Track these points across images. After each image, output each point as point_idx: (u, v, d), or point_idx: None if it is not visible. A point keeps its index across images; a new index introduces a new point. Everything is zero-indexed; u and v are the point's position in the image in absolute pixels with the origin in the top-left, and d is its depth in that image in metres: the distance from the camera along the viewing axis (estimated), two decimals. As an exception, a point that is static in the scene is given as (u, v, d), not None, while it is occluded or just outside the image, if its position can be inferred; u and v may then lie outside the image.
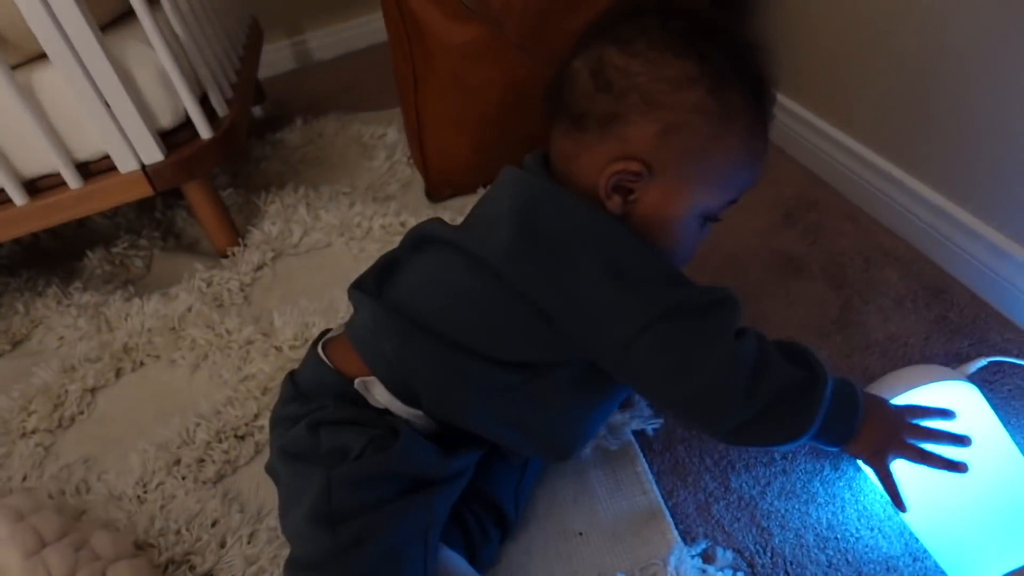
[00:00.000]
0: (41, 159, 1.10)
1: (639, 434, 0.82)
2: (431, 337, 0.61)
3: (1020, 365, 0.78)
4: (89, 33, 1.02)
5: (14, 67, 1.05)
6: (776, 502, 0.73)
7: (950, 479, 0.61)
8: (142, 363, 1.11)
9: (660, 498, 0.75)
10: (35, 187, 1.13)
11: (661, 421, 0.83)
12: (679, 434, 0.82)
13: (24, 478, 0.95)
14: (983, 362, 0.72)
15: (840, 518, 0.70)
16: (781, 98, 1.23)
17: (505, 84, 1.14)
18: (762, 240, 1.08)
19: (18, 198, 1.11)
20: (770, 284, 0.99)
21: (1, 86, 1.01)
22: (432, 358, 0.61)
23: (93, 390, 1.08)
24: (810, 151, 1.18)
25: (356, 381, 0.64)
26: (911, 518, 0.66)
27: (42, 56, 1.05)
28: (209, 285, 1.20)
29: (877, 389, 0.68)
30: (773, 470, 0.76)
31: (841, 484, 0.73)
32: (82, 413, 1.05)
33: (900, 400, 0.66)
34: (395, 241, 1.20)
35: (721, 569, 0.67)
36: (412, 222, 1.24)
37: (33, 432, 1.02)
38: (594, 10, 1.06)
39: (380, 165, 1.46)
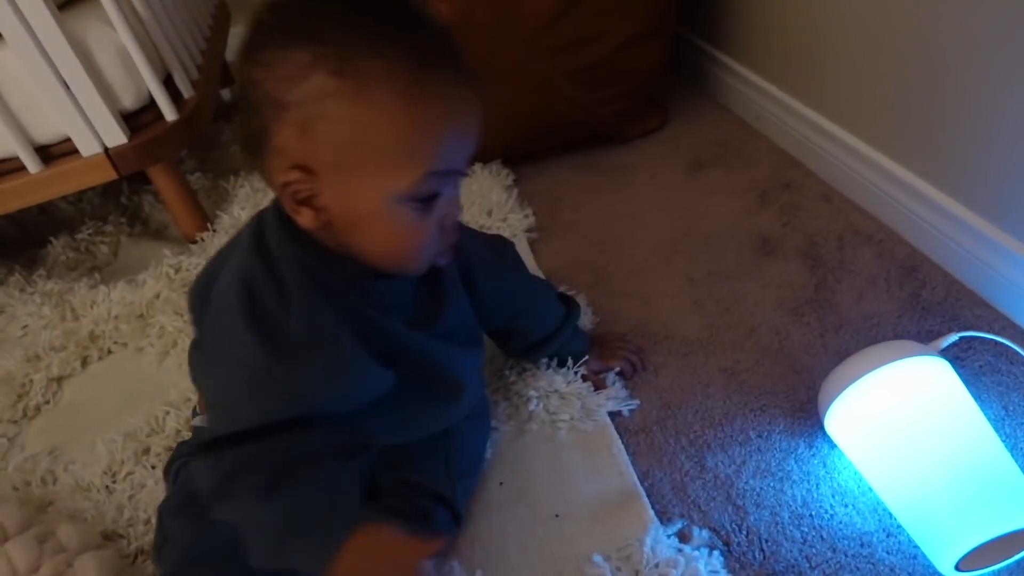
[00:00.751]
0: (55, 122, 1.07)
1: (615, 415, 0.82)
2: None
3: (990, 340, 0.79)
4: (45, 11, 0.98)
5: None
6: (751, 481, 0.73)
7: (922, 453, 0.61)
8: (109, 351, 1.09)
9: (636, 479, 0.75)
10: (48, 154, 1.10)
11: (637, 403, 0.83)
12: (654, 415, 0.82)
13: (-13, 470, 0.92)
14: (954, 337, 0.73)
15: (815, 495, 0.70)
16: (754, 78, 1.23)
17: (475, 66, 1.10)
18: (737, 221, 1.08)
19: (32, 166, 1.08)
20: (745, 265, 0.99)
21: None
22: None
23: (59, 379, 1.05)
24: (784, 131, 1.18)
25: None
26: (884, 493, 0.67)
27: (-3, 35, 1.01)
28: (177, 271, 1.18)
29: (851, 366, 0.68)
30: (748, 449, 0.76)
31: (815, 462, 0.73)
32: (48, 403, 1.02)
33: (872, 377, 0.66)
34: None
35: (697, 548, 0.67)
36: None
37: (-4, 423, 0.99)
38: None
39: (352, 148, 1.43)
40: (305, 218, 0.56)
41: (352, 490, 0.62)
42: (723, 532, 0.69)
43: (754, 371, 0.84)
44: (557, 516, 0.73)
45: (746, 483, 0.73)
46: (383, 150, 0.53)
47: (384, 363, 0.62)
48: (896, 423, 0.65)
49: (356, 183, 0.54)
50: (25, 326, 1.16)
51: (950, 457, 0.62)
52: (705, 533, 0.69)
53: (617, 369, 0.86)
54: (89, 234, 1.34)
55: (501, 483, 0.78)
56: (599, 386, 0.85)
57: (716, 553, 0.67)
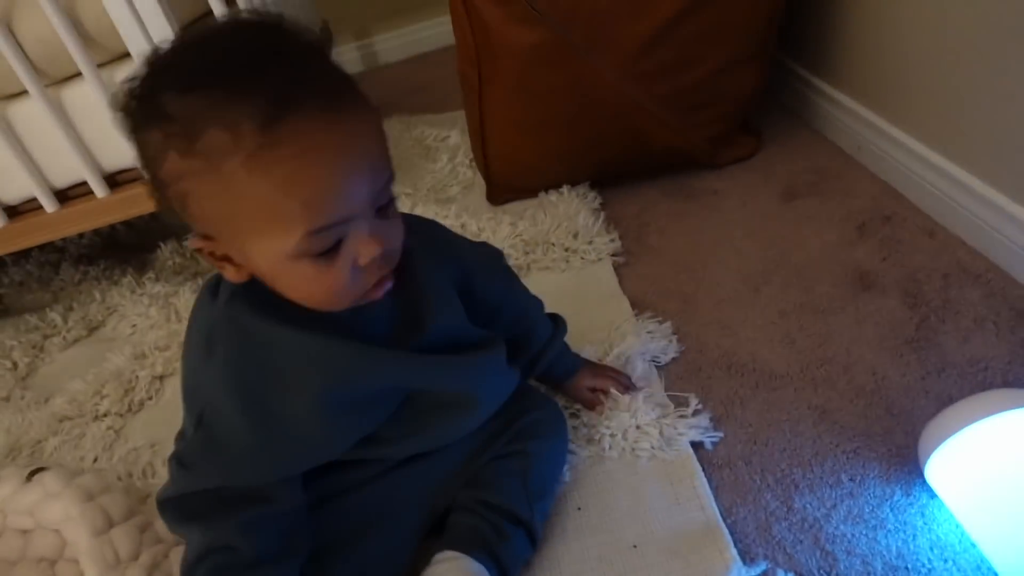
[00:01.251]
0: (122, 154, 1.14)
1: (697, 447, 0.80)
2: None
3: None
4: (170, 32, 1.05)
5: (101, 65, 1.10)
6: (842, 526, 0.70)
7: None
8: (208, 353, 1.14)
9: (719, 515, 0.73)
10: (115, 181, 1.18)
11: (721, 435, 0.81)
12: (739, 450, 0.80)
13: (95, 459, 0.99)
14: (1073, 390, 0.68)
15: (911, 547, 0.67)
16: (855, 106, 1.19)
17: (569, 89, 1.13)
18: (832, 253, 1.04)
19: (99, 191, 1.16)
20: (840, 299, 0.96)
21: (94, 86, 1.06)
22: None
23: (161, 377, 1.12)
24: (886, 162, 1.14)
25: None
26: (990, 551, 0.63)
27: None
28: (274, 280, 1.23)
29: (957, 413, 0.65)
30: (840, 492, 0.73)
31: (913, 511, 0.70)
32: (151, 398, 1.08)
33: (982, 425, 0.62)
34: (455, 242, 1.21)
35: (781, 592, 0.65)
36: (472, 224, 1.24)
37: (105, 415, 1.06)
38: (659, 15, 1.06)
39: (442, 167, 1.47)
40: (230, 274, 0.56)
41: None
42: (810, 577, 0.66)
43: (848, 411, 0.81)
44: (635, 547, 0.72)
45: (836, 528, 0.70)
46: (252, 220, 0.50)
47: (359, 397, 0.63)
48: (1006, 478, 0.61)
49: (248, 248, 0.52)
50: (134, 325, 1.24)
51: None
52: (791, 577, 0.66)
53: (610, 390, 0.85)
54: (195, 241, 1.42)
55: (579, 508, 0.77)
56: (595, 404, 0.85)
57: (802, 599, 0.64)
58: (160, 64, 0.51)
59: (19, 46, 1.03)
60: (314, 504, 0.70)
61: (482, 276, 0.73)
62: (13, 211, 1.18)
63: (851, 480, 0.74)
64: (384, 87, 2.07)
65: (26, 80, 1.04)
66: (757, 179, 1.24)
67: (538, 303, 0.83)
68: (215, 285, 0.62)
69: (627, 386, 0.87)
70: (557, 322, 0.85)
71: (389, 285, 0.58)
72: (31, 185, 1.14)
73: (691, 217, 1.19)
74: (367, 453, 0.70)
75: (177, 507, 0.64)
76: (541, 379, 0.88)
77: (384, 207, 0.54)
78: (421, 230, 0.68)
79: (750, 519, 0.73)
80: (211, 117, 0.47)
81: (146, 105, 0.50)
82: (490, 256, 0.79)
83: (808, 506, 0.72)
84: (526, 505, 0.72)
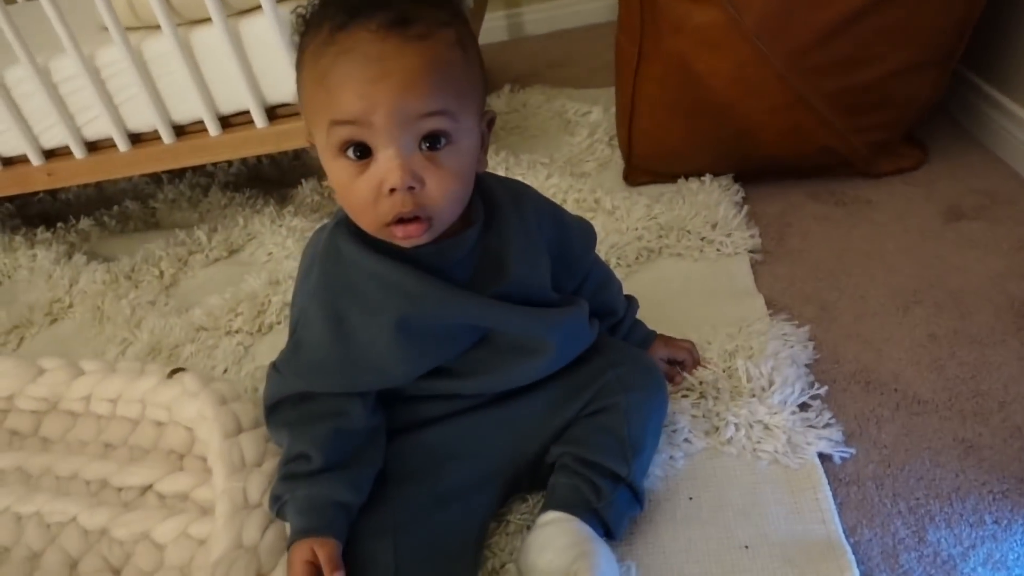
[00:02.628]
0: (284, 90, 1.19)
1: (824, 459, 0.76)
2: None
3: None
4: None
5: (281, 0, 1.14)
6: (980, 569, 0.65)
7: None
8: (336, 289, 1.19)
9: (842, 532, 0.69)
10: (274, 113, 1.23)
11: (852, 451, 0.77)
12: (871, 470, 0.75)
13: (225, 370, 1.05)
14: None
15: (1059, 605, 0.61)
16: (1047, 130, 1.09)
17: (732, 75, 1.09)
18: (996, 282, 0.96)
19: (259, 121, 1.22)
20: (1001, 332, 0.88)
21: (271, 20, 1.11)
22: None
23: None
24: (1073, 194, 1.04)
25: None
26: None
27: None
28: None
29: None
30: (981, 533, 0.68)
31: (1066, 568, 0.64)
32: (279, 323, 1.14)
33: None
34: (587, 216, 1.20)
35: (906, 623, 0.61)
36: (606, 200, 1.23)
37: (237, 332, 1.12)
38: (843, 6, 1.00)
39: (580, 142, 1.46)
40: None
41: (341, 494, 0.67)
42: (938, 615, 0.62)
43: (1000, 450, 0.75)
44: (747, 547, 0.70)
45: (973, 570, 0.65)
46: (307, 107, 0.60)
47: (428, 330, 0.68)
48: None
49: (316, 139, 0.61)
50: (270, 253, 1.30)
51: None
52: (917, 610, 0.62)
53: (681, 359, 0.87)
54: (333, 182, 1.47)
55: (691, 498, 0.75)
56: (671, 375, 0.86)
57: (928, 635, 0.60)
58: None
59: (210, -25, 1.09)
60: (392, 433, 0.74)
61: (580, 244, 0.79)
62: (180, 130, 1.26)
63: (995, 523, 0.68)
64: (527, 57, 2.07)
65: (212, 8, 1.10)
66: (917, 194, 1.16)
67: (617, 279, 0.87)
68: (329, 221, 0.69)
69: (697, 360, 0.88)
70: (630, 299, 0.88)
71: (419, 237, 0.60)
72: (200, 108, 1.21)
73: (839, 224, 1.13)
74: (440, 386, 0.73)
75: (272, 414, 0.72)
76: None
77: (431, 145, 0.58)
78: (519, 190, 0.73)
79: (876, 543, 0.69)
80: (314, 20, 0.58)
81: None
82: (587, 228, 0.82)
83: (943, 541, 0.67)
84: (623, 462, 0.71)
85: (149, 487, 0.80)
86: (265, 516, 0.71)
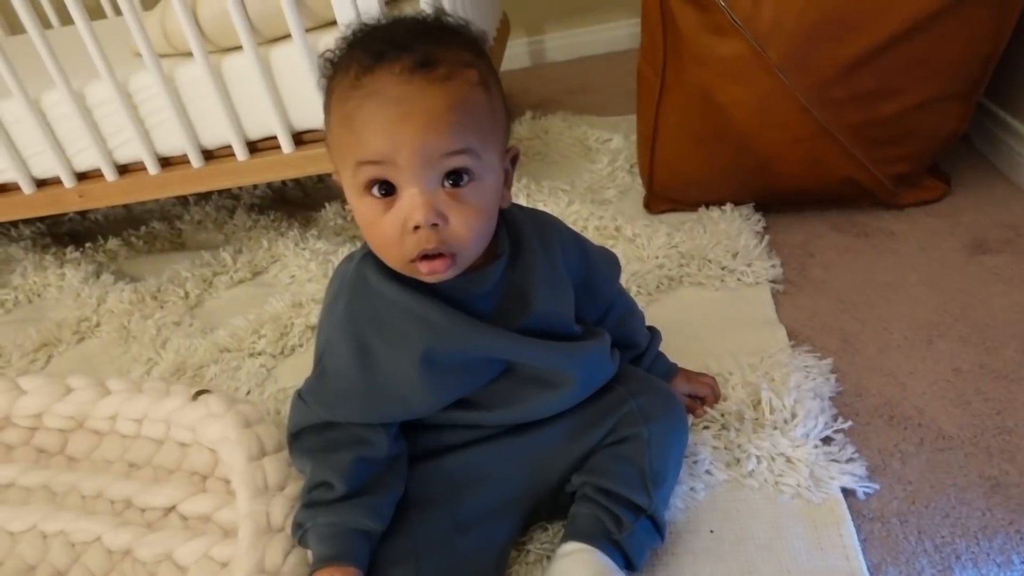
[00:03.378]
0: (311, 116, 1.22)
1: (848, 494, 0.76)
2: None
3: None
4: (376, 6, 1.11)
5: (310, 30, 1.17)
6: (1009, 610, 0.64)
7: None
8: (358, 313, 1.20)
9: (866, 569, 0.69)
10: (300, 139, 1.26)
11: (876, 487, 0.76)
12: (895, 506, 0.74)
13: (248, 392, 1.06)
14: None
15: (1091, 651, 0.60)
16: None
17: (755, 106, 1.10)
18: (1008, 317, 0.95)
19: (286, 146, 1.24)
20: (1009, 366, 0.87)
21: (300, 48, 1.14)
22: None
23: (314, 327, 1.17)
24: (1100, 228, 1.03)
25: None
26: None
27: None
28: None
29: None
30: (1009, 574, 0.67)
31: (1097, 612, 0.62)
32: (301, 346, 1.15)
33: None
34: (608, 243, 1.21)
35: (932, 666, 0.60)
36: (627, 228, 1.23)
37: (260, 353, 1.14)
38: (868, 40, 1.00)
39: (601, 169, 1.47)
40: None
41: (362, 522, 0.68)
42: (966, 658, 0.61)
43: (1027, 488, 0.74)
44: (767, 583, 0.69)
45: (1002, 611, 0.64)
46: (334, 147, 0.62)
47: (453, 363, 0.69)
48: None
49: (343, 178, 0.62)
50: (293, 276, 1.32)
51: None
52: (944, 652, 0.61)
53: (703, 394, 0.87)
54: (357, 206, 1.49)
55: (712, 531, 0.75)
56: (692, 409, 0.85)
57: None
58: (354, 39, 0.62)
59: (243, 5, 1.11)
60: (414, 459, 0.75)
61: (604, 275, 0.80)
62: (209, 155, 1.28)
63: (1024, 563, 0.67)
64: (549, 84, 2.09)
65: (243, 37, 1.13)
66: (941, 226, 1.15)
67: (640, 311, 0.87)
68: (356, 251, 0.71)
69: (718, 395, 0.88)
70: (653, 331, 0.88)
71: (443, 273, 0.61)
72: (229, 133, 1.23)
73: (862, 255, 1.12)
74: (463, 417, 0.74)
75: (295, 441, 0.74)
76: None
77: (455, 183, 0.59)
78: (544, 222, 0.74)
79: (901, 582, 0.68)
80: (342, 64, 0.60)
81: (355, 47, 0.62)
82: (611, 259, 0.83)
83: (971, 582, 0.67)
84: (644, 493, 0.71)
85: (172, 508, 0.81)
86: (288, 541, 0.71)
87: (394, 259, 0.62)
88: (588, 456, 0.75)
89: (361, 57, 0.58)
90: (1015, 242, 1.09)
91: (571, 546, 0.69)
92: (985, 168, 1.27)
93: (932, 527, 0.72)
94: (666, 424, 0.76)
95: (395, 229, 0.59)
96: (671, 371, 0.87)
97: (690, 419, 0.84)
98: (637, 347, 0.85)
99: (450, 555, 0.69)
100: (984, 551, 0.69)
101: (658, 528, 0.71)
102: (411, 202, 0.58)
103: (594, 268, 0.78)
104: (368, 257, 0.68)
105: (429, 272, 0.61)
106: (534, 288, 0.69)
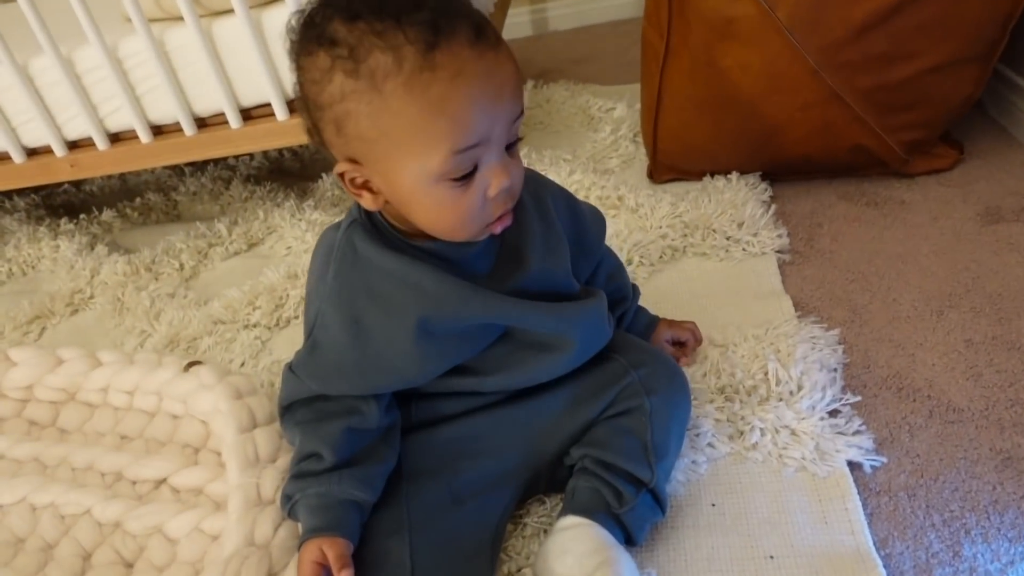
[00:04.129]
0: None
1: (854, 467, 0.74)
2: None
3: None
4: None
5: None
6: (1020, 586, 0.62)
7: None
8: (355, 284, 1.18)
9: (872, 544, 0.67)
10: (295, 106, 1.22)
11: (883, 460, 0.74)
12: (903, 480, 0.72)
13: (242, 364, 1.04)
14: None
15: (1105, 627, 0.58)
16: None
17: (762, 70, 1.06)
18: (1020, 287, 0.92)
19: (280, 113, 1.21)
20: (1021, 337, 0.85)
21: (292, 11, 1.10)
22: None
23: (309, 299, 1.16)
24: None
25: None
26: None
27: None
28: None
29: None
30: (1021, 549, 0.65)
31: (1112, 588, 0.60)
32: (297, 317, 1.13)
33: None
34: (610, 213, 1.18)
35: (940, 642, 0.58)
36: (629, 198, 1.20)
37: (255, 325, 1.12)
38: (881, 0, 0.96)
39: (604, 138, 1.43)
40: (367, 201, 0.61)
41: (352, 492, 0.66)
42: (975, 634, 0.59)
43: (1044, 463, 0.71)
44: (772, 558, 0.67)
45: (1012, 587, 0.62)
46: (404, 138, 0.55)
47: (454, 330, 0.66)
48: None
49: (393, 169, 0.57)
50: (289, 247, 1.30)
51: None
52: (952, 628, 0.59)
53: (685, 339, 0.86)
54: (354, 177, 1.46)
55: (713, 504, 0.73)
56: (677, 357, 0.85)
57: (964, 655, 0.57)
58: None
59: (233, -35, 1.08)
60: (409, 430, 0.74)
61: (594, 231, 0.78)
62: (202, 122, 1.25)
63: (1036, 538, 0.65)
64: (551, 53, 2.05)
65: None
66: (954, 195, 1.12)
67: (622, 264, 0.86)
68: (343, 220, 0.68)
69: (699, 339, 0.88)
70: (634, 286, 0.87)
71: (509, 222, 0.62)
72: (222, 100, 1.20)
73: (871, 225, 1.09)
74: (460, 384, 0.72)
75: (286, 413, 0.72)
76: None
77: (512, 144, 0.58)
78: (535, 179, 0.73)
79: (908, 556, 0.66)
80: (375, 41, 0.53)
81: (315, 32, 0.55)
82: (599, 215, 0.81)
83: (980, 556, 0.65)
84: (646, 467, 0.69)
85: (163, 480, 0.80)
86: (278, 513, 0.69)
87: (470, 231, 0.60)
88: (588, 428, 0.73)
89: (415, 37, 0.52)
90: (1029, 211, 1.06)
91: (570, 520, 0.67)
92: (999, 135, 1.23)
93: (941, 501, 0.70)
94: (668, 395, 0.74)
95: (476, 203, 0.58)
96: (653, 321, 0.87)
97: (693, 390, 0.81)
98: (626, 301, 0.84)
99: (445, 527, 0.67)
100: (995, 526, 0.67)
101: (659, 502, 0.70)
102: (493, 171, 0.57)
103: (584, 224, 0.76)
104: (355, 225, 0.65)
105: (502, 227, 0.61)
106: (528, 245, 0.68)
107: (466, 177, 0.56)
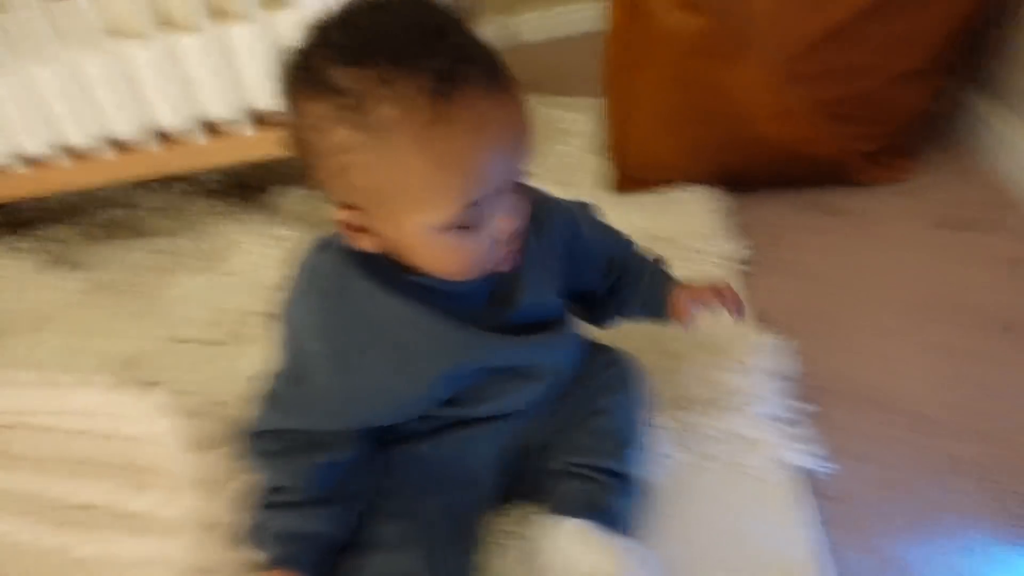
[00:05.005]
0: (270, 96, 1.18)
1: (810, 475, 0.74)
2: None
3: None
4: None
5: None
6: (972, 594, 0.62)
7: None
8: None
9: (827, 551, 0.67)
10: (261, 120, 1.22)
11: (839, 467, 0.75)
12: (858, 488, 0.73)
13: (204, 384, 1.02)
14: None
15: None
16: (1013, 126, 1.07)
17: (724, 83, 1.08)
18: (994, 297, 0.94)
19: (247, 128, 1.20)
20: (1001, 348, 0.86)
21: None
22: None
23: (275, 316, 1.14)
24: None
25: None
26: None
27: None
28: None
29: None
30: (973, 558, 0.65)
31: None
32: (263, 335, 1.11)
33: None
34: (575, 227, 1.18)
35: (892, 651, 0.58)
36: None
37: (220, 344, 1.10)
38: (838, 14, 0.98)
39: (570, 151, 1.44)
40: (366, 243, 0.58)
41: (317, 526, 0.64)
42: (925, 642, 0.60)
43: (995, 471, 0.72)
44: (727, 566, 0.68)
45: (965, 596, 0.62)
46: (414, 191, 0.52)
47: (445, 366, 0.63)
48: None
49: (398, 219, 0.54)
50: (254, 264, 1.28)
51: None
52: (903, 636, 0.60)
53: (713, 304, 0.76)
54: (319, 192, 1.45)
55: (668, 514, 0.73)
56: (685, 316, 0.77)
57: (914, 663, 0.58)
58: (325, 36, 0.52)
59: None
60: (386, 446, 0.71)
61: (587, 226, 0.76)
62: (167, 137, 1.24)
63: (992, 549, 0.66)
64: (520, 65, 2.01)
65: (199, 15, 1.08)
66: (910, 204, 1.14)
67: (628, 243, 0.82)
68: (328, 239, 0.63)
69: (727, 296, 0.75)
70: (659, 258, 0.83)
71: (516, 260, 0.60)
72: (187, 114, 1.19)
73: (831, 235, 1.11)
74: (447, 413, 0.71)
75: (254, 443, 0.67)
76: (645, 311, 0.80)
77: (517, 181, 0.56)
78: (543, 202, 0.70)
79: (864, 565, 0.66)
80: (383, 91, 0.49)
81: (313, 76, 0.51)
82: (583, 205, 0.79)
83: (932, 563, 0.65)
84: (618, 460, 0.71)
85: (114, 505, 0.78)
86: (229, 537, 0.68)
87: (475, 273, 0.58)
88: (564, 430, 0.73)
89: (428, 86, 0.49)
90: (983, 220, 1.08)
91: (564, 522, 0.67)
92: (953, 147, 1.25)
93: (895, 509, 0.70)
94: (626, 392, 0.76)
95: (483, 248, 0.56)
96: (665, 294, 0.80)
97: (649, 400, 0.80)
98: (637, 268, 0.80)
99: (430, 539, 0.66)
100: (947, 533, 0.67)
101: (638, 488, 0.72)
102: (502, 216, 0.55)
103: (578, 224, 0.74)
104: (349, 261, 0.60)
105: (509, 263, 0.60)
106: (522, 275, 0.65)
107: (473, 225, 0.54)
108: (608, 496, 0.68)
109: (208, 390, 1.00)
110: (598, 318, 0.80)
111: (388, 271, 0.60)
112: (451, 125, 0.49)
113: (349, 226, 0.57)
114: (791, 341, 0.90)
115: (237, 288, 1.19)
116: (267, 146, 1.22)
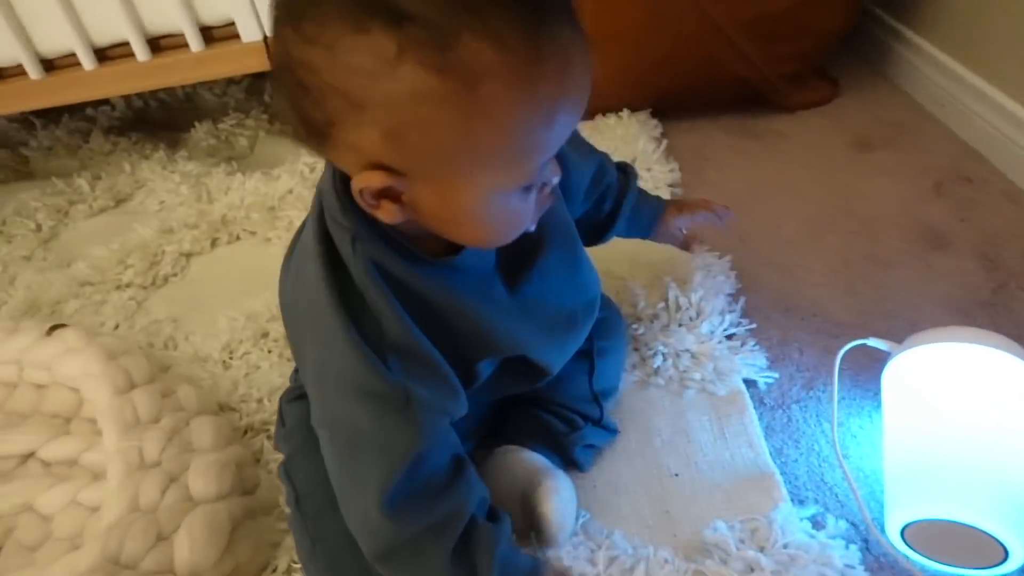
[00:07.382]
0: (167, 18, 1.08)
1: (750, 385, 0.76)
2: None
3: None
4: None
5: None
6: (899, 479, 0.66)
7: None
8: (238, 237, 1.10)
9: (768, 455, 0.70)
10: (158, 45, 1.12)
11: (776, 376, 0.77)
12: (794, 393, 0.76)
13: (116, 326, 0.96)
14: None
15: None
16: (944, 59, 1.11)
17: (646, 4, 1.07)
18: (903, 208, 0.98)
19: (141, 54, 1.10)
20: (909, 256, 0.90)
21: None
22: None
23: (188, 255, 1.08)
24: (971, 121, 1.07)
25: None
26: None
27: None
28: (312, 170, 1.18)
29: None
30: (899, 446, 0.69)
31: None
32: (175, 275, 1.05)
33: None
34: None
35: (832, 537, 0.61)
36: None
37: (128, 286, 1.03)
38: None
39: (494, 79, 1.40)
40: (385, 213, 0.46)
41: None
42: (863, 528, 0.63)
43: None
44: (676, 475, 0.69)
45: (893, 481, 0.66)
46: (495, 152, 0.43)
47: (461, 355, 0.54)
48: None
49: (456, 184, 0.44)
50: (162, 202, 1.20)
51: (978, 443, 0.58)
52: (843, 524, 0.63)
53: (700, 219, 0.80)
54: (231, 125, 1.36)
55: (619, 429, 0.74)
56: (687, 244, 0.81)
57: (853, 547, 0.61)
58: None
59: None
60: None
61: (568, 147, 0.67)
62: (50, 64, 1.12)
63: (911, 436, 0.70)
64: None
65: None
66: (828, 126, 1.17)
67: (598, 151, 0.75)
68: (325, 234, 0.50)
69: (718, 214, 0.79)
70: (626, 167, 0.77)
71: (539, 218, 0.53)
72: (72, 38, 1.08)
73: (754, 156, 1.13)
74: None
75: (387, 563, 0.52)
76: (632, 230, 0.79)
77: None
78: None
79: (801, 463, 0.69)
80: (473, 23, 0.38)
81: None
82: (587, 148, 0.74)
83: (865, 457, 0.69)
84: (594, 404, 0.71)
85: (31, 455, 0.72)
86: (164, 475, 0.64)
87: (513, 236, 0.50)
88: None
89: (509, 14, 0.39)
90: (896, 139, 1.12)
91: (505, 447, 0.67)
92: (869, 70, 1.29)
93: (829, 410, 0.73)
94: (613, 340, 0.75)
95: (532, 206, 0.49)
96: (657, 212, 0.79)
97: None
98: (620, 183, 0.75)
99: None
100: (878, 427, 0.71)
101: (607, 430, 0.72)
102: (551, 168, 0.48)
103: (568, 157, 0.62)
104: (368, 244, 0.49)
105: (535, 224, 0.52)
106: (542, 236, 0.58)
107: (527, 190, 0.47)
108: (574, 435, 0.69)
109: (122, 333, 0.94)
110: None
111: (415, 256, 0.50)
112: (543, 66, 0.40)
113: (378, 193, 0.45)
114: (723, 259, 0.92)
115: (144, 227, 1.10)
116: (165, 74, 1.13)
